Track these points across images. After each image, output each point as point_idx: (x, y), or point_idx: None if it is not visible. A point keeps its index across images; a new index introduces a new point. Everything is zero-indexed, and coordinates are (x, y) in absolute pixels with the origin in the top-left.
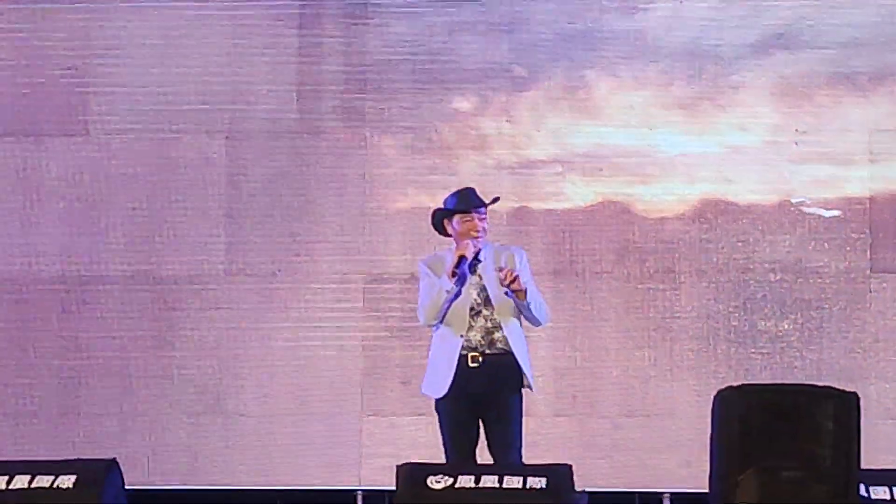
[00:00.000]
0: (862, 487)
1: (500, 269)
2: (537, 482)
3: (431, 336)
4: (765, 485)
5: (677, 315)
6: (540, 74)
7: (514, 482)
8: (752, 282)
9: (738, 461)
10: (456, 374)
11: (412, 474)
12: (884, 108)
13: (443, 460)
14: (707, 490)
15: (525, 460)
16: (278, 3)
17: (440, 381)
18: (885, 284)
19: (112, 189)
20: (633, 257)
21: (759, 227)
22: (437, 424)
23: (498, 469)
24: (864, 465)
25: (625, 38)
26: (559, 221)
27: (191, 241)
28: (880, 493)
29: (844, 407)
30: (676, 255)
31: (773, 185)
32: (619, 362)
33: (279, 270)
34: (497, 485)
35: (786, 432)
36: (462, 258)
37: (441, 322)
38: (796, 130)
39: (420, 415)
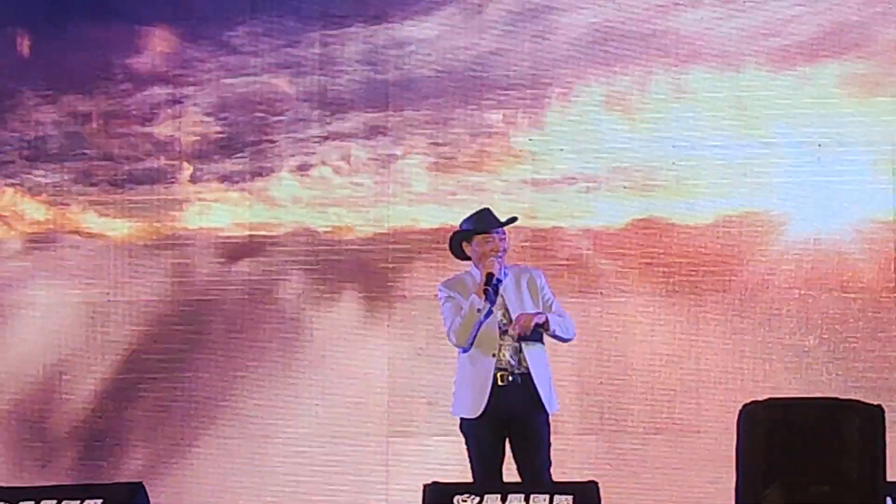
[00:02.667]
0: (889, 501)
1: (514, 324)
2: (564, 500)
3: (458, 356)
4: (791, 499)
5: (702, 332)
6: (562, 89)
7: (540, 500)
8: (776, 298)
9: (763, 476)
10: (489, 395)
11: (439, 494)
12: None
13: (470, 480)
14: None
15: (553, 478)
16: (301, 17)
17: (474, 402)
18: None
19: None
20: (657, 274)
21: (784, 243)
22: (464, 444)
23: (525, 487)
24: (892, 478)
25: (653, 50)
26: (583, 238)
27: (216, 264)
28: None
29: (870, 420)
30: (701, 271)
31: (797, 200)
32: (645, 379)
33: (303, 291)
34: (523, 503)
35: (811, 446)
36: (490, 275)
37: (472, 344)
38: (819, 145)
39: (446, 435)
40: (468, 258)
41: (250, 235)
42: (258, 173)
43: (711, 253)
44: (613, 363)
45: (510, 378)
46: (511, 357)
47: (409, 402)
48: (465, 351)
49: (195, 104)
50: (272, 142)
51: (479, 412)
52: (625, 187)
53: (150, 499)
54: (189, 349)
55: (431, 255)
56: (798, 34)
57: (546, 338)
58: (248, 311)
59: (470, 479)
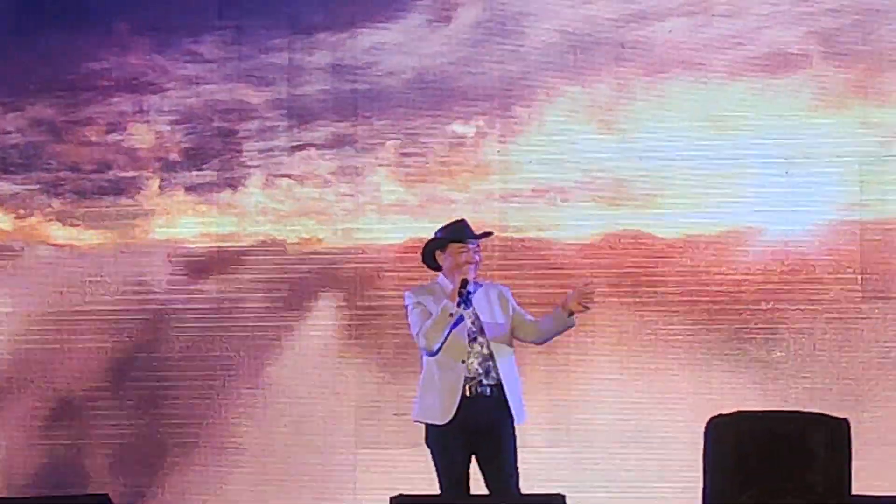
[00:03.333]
0: None
1: (590, 292)
2: None
3: (423, 363)
4: None
5: (670, 344)
6: (533, 100)
7: None
8: (743, 310)
9: (730, 488)
10: (459, 402)
11: None
12: (874, 137)
13: (437, 492)
14: None
15: (520, 491)
16: (269, 26)
17: (444, 408)
18: (876, 311)
19: None
20: (626, 285)
21: (751, 256)
22: (430, 456)
23: (491, 500)
24: (857, 492)
25: (623, 61)
26: (552, 251)
27: (185, 275)
28: None
29: (836, 433)
30: (670, 284)
31: (765, 213)
32: (614, 391)
33: (272, 304)
34: None
35: (778, 459)
36: (465, 281)
37: (440, 348)
38: (787, 159)
39: (414, 447)
40: (439, 268)
41: (218, 247)
42: (225, 184)
43: (680, 265)
44: (581, 375)
45: (479, 389)
46: (479, 366)
47: (378, 414)
48: (432, 355)
49: (162, 113)
50: (240, 152)
51: (449, 419)
52: (594, 199)
53: None
54: (156, 361)
55: (400, 267)
56: (767, 47)
57: (515, 347)
58: (216, 322)
59: (437, 492)
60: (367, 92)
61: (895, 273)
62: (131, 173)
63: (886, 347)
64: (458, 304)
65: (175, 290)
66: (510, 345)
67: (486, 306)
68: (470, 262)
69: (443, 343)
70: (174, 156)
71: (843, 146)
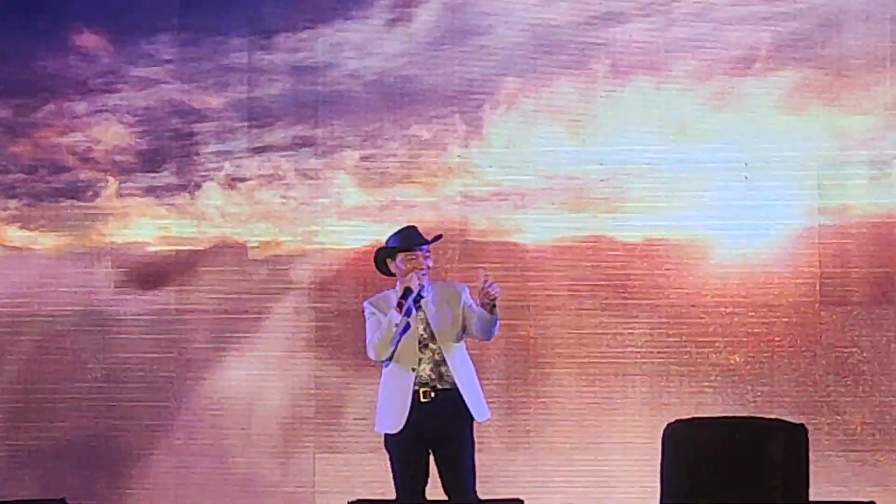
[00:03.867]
0: None
1: (489, 284)
2: None
3: (381, 373)
4: None
5: (630, 349)
6: (493, 104)
7: None
8: (703, 315)
9: (687, 494)
10: (410, 409)
11: None
12: (833, 143)
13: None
14: None
15: (478, 495)
16: (228, 26)
17: (395, 417)
18: (834, 316)
19: None
20: (585, 293)
21: (711, 261)
22: (389, 461)
23: None
24: (815, 497)
25: (585, 65)
26: (513, 254)
27: (144, 279)
28: None
29: (793, 439)
30: (629, 289)
31: (725, 218)
32: (573, 396)
33: (230, 308)
34: None
35: (735, 465)
36: (408, 290)
37: (391, 358)
38: (746, 164)
39: (373, 451)
40: (391, 275)
41: (176, 251)
42: (184, 186)
43: (640, 270)
44: (540, 380)
45: (433, 395)
46: (431, 371)
47: (337, 419)
48: (386, 365)
49: (119, 115)
50: (198, 154)
51: (400, 428)
52: (555, 203)
53: None
54: (113, 363)
55: (361, 271)
56: (728, 51)
57: (469, 346)
58: (174, 325)
59: (394, 497)
60: (327, 94)
61: (854, 279)
62: (88, 175)
63: (845, 353)
64: (406, 313)
65: (133, 293)
66: (460, 342)
67: (438, 310)
68: (421, 268)
69: (392, 353)
70: (132, 158)
71: (802, 151)
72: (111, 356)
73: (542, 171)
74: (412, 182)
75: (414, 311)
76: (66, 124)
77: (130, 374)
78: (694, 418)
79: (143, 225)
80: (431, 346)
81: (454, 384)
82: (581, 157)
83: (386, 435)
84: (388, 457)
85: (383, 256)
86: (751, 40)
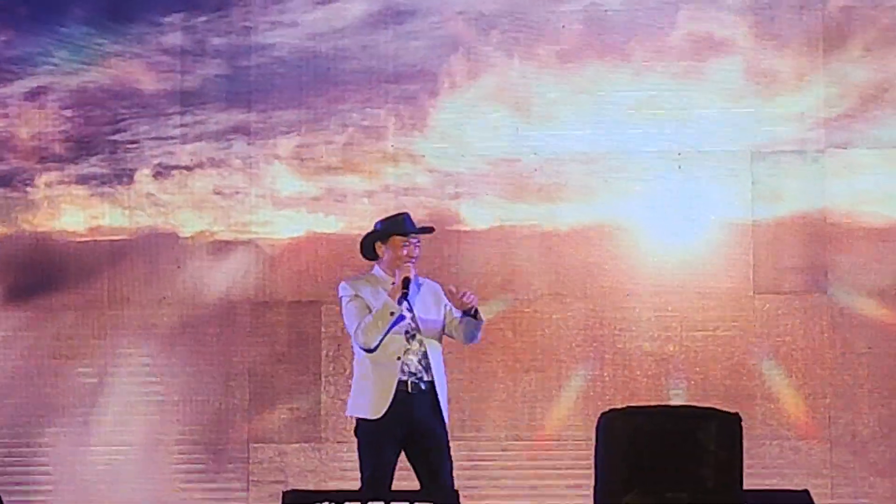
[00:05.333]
0: None
1: (462, 294)
2: None
3: (356, 358)
4: None
5: (563, 338)
6: (436, 90)
7: None
8: (637, 305)
9: (622, 483)
10: (393, 399)
11: (298, 501)
12: (765, 133)
13: (332, 487)
14: None
15: (410, 487)
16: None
17: (377, 403)
18: (768, 305)
19: None
20: (520, 281)
21: (644, 250)
22: (356, 448)
23: (385, 495)
24: (749, 486)
25: (518, 48)
26: (446, 244)
27: (76, 269)
28: None
29: (727, 428)
30: (562, 279)
31: (658, 207)
32: (507, 385)
33: (164, 297)
34: None
35: (669, 454)
36: (408, 280)
37: (378, 346)
38: (679, 153)
39: (307, 441)
40: (375, 259)
41: (110, 240)
42: (116, 175)
43: (574, 259)
44: (473, 370)
45: (421, 386)
46: (418, 363)
47: (271, 409)
48: (370, 352)
49: (48, 99)
50: (131, 142)
51: (381, 414)
52: (487, 193)
53: None
54: (44, 353)
55: (295, 261)
56: (661, 42)
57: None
58: (107, 316)
59: (330, 488)
60: (262, 80)
61: (786, 268)
62: (15, 163)
63: (777, 342)
64: (399, 303)
65: (64, 282)
66: (440, 343)
67: (423, 304)
68: (411, 257)
69: (381, 341)
70: (61, 145)
71: (735, 141)
72: (42, 346)
73: (478, 159)
74: (349, 170)
75: (407, 301)
76: None
77: (60, 365)
78: (628, 407)
79: (74, 214)
80: (418, 336)
81: (433, 378)
82: (516, 144)
83: (360, 420)
84: (357, 444)
85: (374, 239)
86: (685, 31)
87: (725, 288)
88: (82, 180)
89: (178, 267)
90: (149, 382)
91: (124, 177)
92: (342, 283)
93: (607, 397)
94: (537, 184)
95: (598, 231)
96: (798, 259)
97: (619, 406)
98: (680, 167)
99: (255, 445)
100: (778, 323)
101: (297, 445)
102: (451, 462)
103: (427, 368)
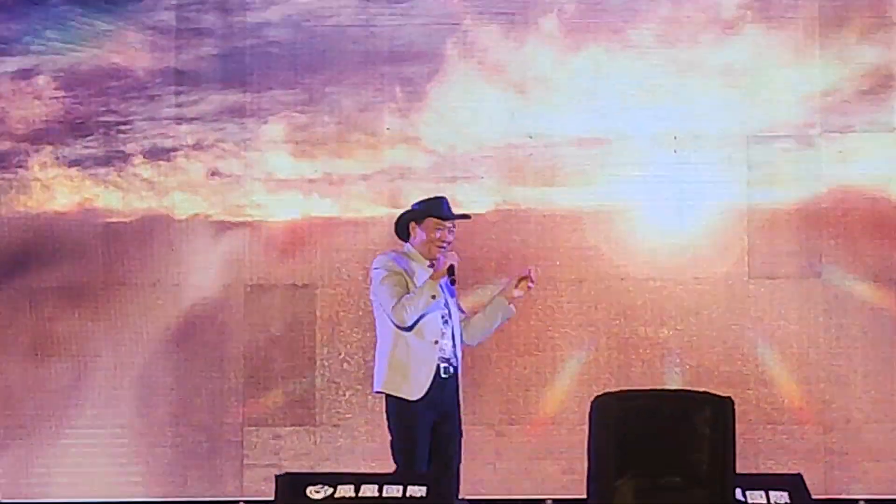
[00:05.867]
0: (739, 492)
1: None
2: (417, 491)
3: (387, 334)
4: (642, 490)
5: (558, 322)
6: (434, 73)
7: (393, 491)
8: (631, 289)
9: (615, 467)
10: (432, 381)
11: (291, 484)
12: (762, 118)
13: (326, 469)
14: None
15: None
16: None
17: (417, 384)
18: (762, 290)
19: None
20: (513, 265)
21: (639, 234)
22: (389, 428)
23: (378, 478)
24: (743, 470)
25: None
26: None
27: (70, 251)
28: (756, 497)
29: (720, 412)
30: (557, 263)
31: (653, 193)
32: (501, 370)
33: (159, 280)
34: (377, 494)
35: (662, 438)
36: (453, 267)
37: (413, 325)
38: (675, 138)
39: (301, 425)
40: (406, 238)
41: (104, 222)
42: (109, 156)
43: (569, 243)
44: (468, 353)
45: (451, 371)
46: (453, 347)
47: (265, 393)
48: (405, 331)
49: (41, 80)
50: (124, 123)
51: (421, 395)
52: (483, 177)
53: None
54: (40, 337)
55: (290, 244)
56: (658, 26)
57: None
58: (101, 297)
59: (324, 470)
60: (257, 60)
61: (781, 252)
62: (7, 145)
63: (772, 326)
64: (445, 290)
65: (58, 265)
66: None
67: (450, 292)
68: (444, 241)
69: (417, 321)
70: (54, 126)
71: (731, 125)
72: (35, 328)
73: (475, 142)
74: (345, 153)
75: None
76: None
77: (53, 347)
78: (622, 391)
79: (69, 196)
80: (451, 322)
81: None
82: (512, 128)
83: (393, 402)
84: (389, 424)
85: (409, 219)
86: (682, 15)
87: (721, 272)
88: (75, 162)
89: (173, 250)
90: (143, 365)
91: (118, 158)
92: (379, 256)
93: (602, 381)
94: (534, 168)
95: (593, 215)
96: (793, 244)
97: (613, 390)
98: (676, 151)
99: (250, 429)
100: (773, 307)
101: (291, 428)
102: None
103: (456, 355)
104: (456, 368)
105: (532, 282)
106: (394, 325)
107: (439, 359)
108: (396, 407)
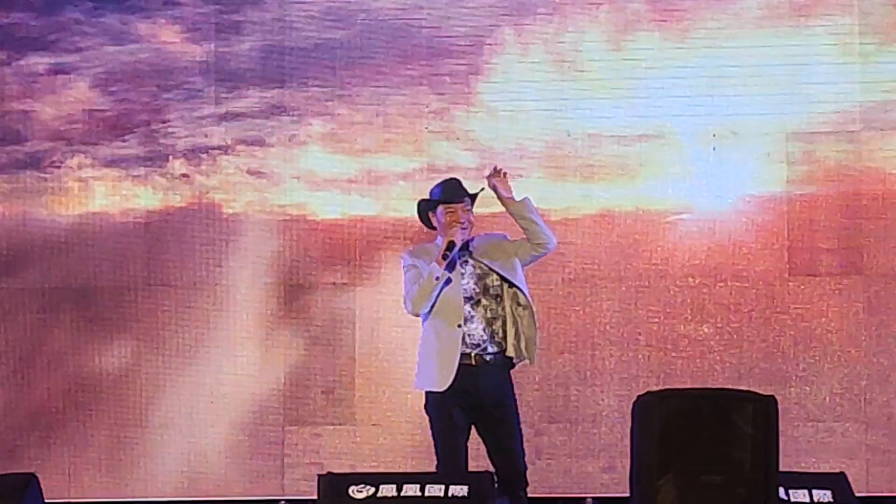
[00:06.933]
0: (781, 490)
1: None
2: (459, 490)
3: (421, 329)
4: (684, 489)
5: (598, 320)
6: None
7: (435, 490)
8: (671, 286)
9: (657, 466)
10: (458, 370)
11: (333, 484)
12: (801, 113)
13: (366, 469)
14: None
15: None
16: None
17: (442, 374)
18: (803, 287)
19: None
20: (553, 263)
21: (679, 231)
22: (429, 423)
23: (420, 478)
24: (784, 468)
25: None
26: (482, 225)
27: (111, 252)
28: (800, 495)
29: (763, 411)
30: (596, 261)
31: (692, 189)
32: (542, 368)
33: (199, 281)
34: (419, 493)
35: (705, 437)
36: (451, 243)
37: (430, 312)
38: (714, 135)
39: (341, 424)
40: (435, 228)
41: (146, 222)
42: (149, 156)
43: (608, 241)
44: None
45: (485, 357)
46: (483, 331)
47: (305, 392)
48: (424, 319)
49: (79, 76)
50: (164, 122)
51: (447, 385)
52: (520, 175)
53: (43, 489)
54: (83, 337)
55: (329, 243)
56: (696, 22)
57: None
58: (144, 298)
59: (364, 470)
60: (298, 56)
61: (821, 249)
62: (45, 145)
63: (813, 324)
64: (449, 268)
65: (102, 266)
66: (524, 295)
67: (490, 258)
68: (456, 222)
69: (431, 307)
70: (93, 125)
71: (770, 121)
72: (79, 328)
73: (516, 139)
74: (385, 151)
75: (458, 264)
76: (21, 87)
77: (97, 347)
78: (664, 390)
79: (109, 196)
80: (484, 301)
81: (504, 346)
82: (545, 128)
83: (427, 394)
84: (428, 419)
85: (425, 209)
86: (721, 11)
87: (760, 269)
88: (114, 161)
89: (212, 249)
90: (183, 364)
91: (157, 158)
92: (403, 254)
93: (642, 380)
94: (572, 165)
95: (632, 213)
96: (833, 241)
97: (655, 389)
98: (714, 148)
99: (290, 428)
100: (813, 304)
101: (331, 428)
102: (524, 447)
103: (492, 336)
104: (496, 353)
105: (497, 173)
106: (421, 320)
107: (468, 346)
108: (428, 400)
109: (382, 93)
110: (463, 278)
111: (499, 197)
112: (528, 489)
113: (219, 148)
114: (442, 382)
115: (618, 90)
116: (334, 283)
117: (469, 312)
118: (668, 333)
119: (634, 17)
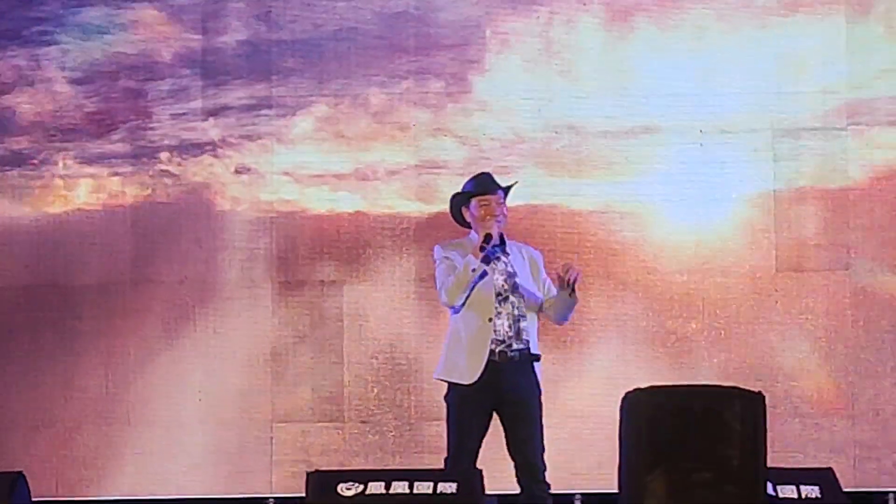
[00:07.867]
0: (770, 486)
1: (566, 270)
2: (448, 487)
3: (449, 320)
4: (673, 486)
5: (586, 317)
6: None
7: (424, 488)
8: (659, 282)
9: (646, 462)
10: (485, 364)
11: (322, 481)
12: (787, 110)
13: (355, 466)
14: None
15: (433, 465)
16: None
17: (470, 367)
18: (790, 283)
19: None
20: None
21: (666, 228)
22: (446, 413)
23: (408, 475)
24: (773, 464)
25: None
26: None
27: (97, 249)
28: (788, 491)
29: (751, 407)
30: (584, 258)
31: (680, 185)
32: None
33: (186, 277)
34: (408, 490)
35: (693, 433)
36: (489, 236)
37: (463, 305)
38: (701, 131)
39: (330, 421)
40: (468, 224)
41: (132, 219)
42: (135, 152)
43: (595, 237)
44: None
45: (509, 354)
46: (509, 328)
47: (293, 389)
48: (455, 311)
49: (62, 70)
50: (150, 117)
51: (473, 380)
52: (509, 171)
53: (31, 488)
54: (69, 335)
55: (318, 239)
56: (683, 17)
57: None
58: (130, 296)
59: (353, 467)
60: (284, 51)
61: (809, 245)
62: (30, 142)
63: (800, 319)
64: (486, 261)
65: (86, 263)
66: (536, 313)
67: (521, 266)
68: (490, 215)
69: (465, 299)
70: (78, 121)
71: (757, 118)
72: (63, 326)
73: (504, 135)
74: (374, 147)
75: (493, 259)
76: (2, 82)
77: (82, 345)
78: (652, 386)
79: (92, 193)
80: (511, 299)
81: (528, 345)
82: (534, 123)
83: (450, 385)
84: (445, 409)
85: (458, 203)
86: (706, 7)
87: (748, 266)
88: (99, 158)
89: (200, 246)
90: (170, 362)
91: (143, 153)
92: (436, 246)
93: (630, 375)
94: (560, 161)
95: (620, 209)
96: (820, 236)
97: (643, 385)
98: (702, 145)
99: (278, 425)
100: (800, 301)
101: (319, 425)
102: (544, 444)
103: (518, 334)
104: (520, 350)
105: (573, 275)
106: (450, 311)
107: (494, 342)
108: (449, 392)
109: (371, 87)
110: (494, 273)
111: (565, 288)
112: (516, 485)
113: (206, 143)
114: (470, 375)
115: (606, 86)
116: (322, 280)
117: (497, 308)
118: (656, 329)
119: (624, 13)
